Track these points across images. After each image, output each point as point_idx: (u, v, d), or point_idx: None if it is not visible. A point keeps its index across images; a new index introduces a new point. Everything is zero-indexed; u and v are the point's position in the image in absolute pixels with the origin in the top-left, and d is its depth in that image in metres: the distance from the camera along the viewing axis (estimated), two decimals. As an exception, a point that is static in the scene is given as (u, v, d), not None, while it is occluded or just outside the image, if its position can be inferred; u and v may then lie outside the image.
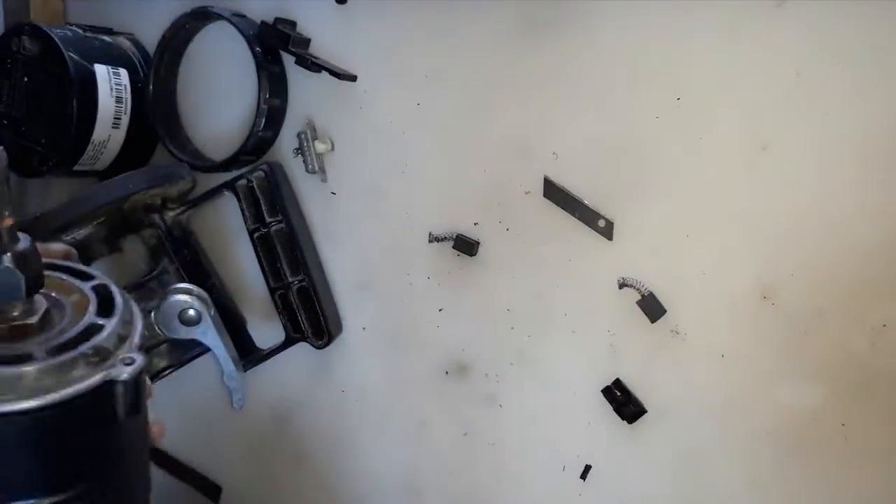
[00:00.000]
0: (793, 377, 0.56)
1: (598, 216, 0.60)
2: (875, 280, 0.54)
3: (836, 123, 0.53)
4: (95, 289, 0.37)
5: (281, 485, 0.74)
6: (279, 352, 0.69)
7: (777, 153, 0.55)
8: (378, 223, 0.67)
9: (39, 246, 0.37)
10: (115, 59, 0.69)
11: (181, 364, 0.66)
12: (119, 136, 0.69)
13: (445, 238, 0.64)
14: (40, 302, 0.35)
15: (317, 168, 0.67)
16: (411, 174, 0.65)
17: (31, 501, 0.33)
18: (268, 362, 0.69)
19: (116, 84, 0.68)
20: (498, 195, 0.63)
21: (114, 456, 0.35)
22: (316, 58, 0.65)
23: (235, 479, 0.76)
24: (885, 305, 0.53)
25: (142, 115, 0.70)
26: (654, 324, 0.59)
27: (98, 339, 0.34)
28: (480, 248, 0.64)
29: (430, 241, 0.65)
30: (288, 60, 0.67)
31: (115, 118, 0.68)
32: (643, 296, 0.59)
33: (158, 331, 0.51)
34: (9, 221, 0.35)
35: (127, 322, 0.36)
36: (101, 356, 0.33)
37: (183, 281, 0.67)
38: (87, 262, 0.67)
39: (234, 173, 0.68)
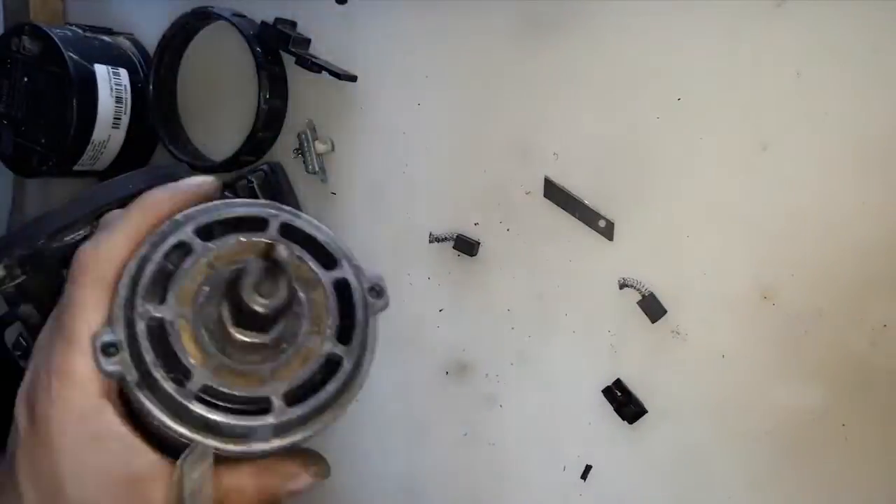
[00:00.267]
0: (793, 377, 0.56)
1: (598, 216, 0.60)
2: (875, 280, 0.54)
3: (836, 123, 0.54)
4: (337, 285, 0.34)
5: (281, 485, 0.74)
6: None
7: (777, 153, 0.55)
8: (378, 223, 0.67)
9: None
10: (115, 59, 0.69)
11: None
12: (119, 136, 0.69)
13: (445, 238, 0.64)
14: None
15: (317, 168, 0.67)
16: (411, 174, 0.65)
17: None
18: (268, 362, 0.69)
19: (116, 84, 0.68)
20: (498, 195, 0.63)
21: None
22: (316, 58, 0.65)
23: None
24: (885, 305, 0.53)
25: (142, 115, 0.70)
26: (655, 324, 0.59)
27: (336, 382, 0.32)
28: (481, 249, 0.64)
29: (430, 241, 0.65)
30: (288, 60, 0.67)
31: (115, 118, 0.68)
32: (644, 296, 0.59)
33: None
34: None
35: (348, 258, 0.34)
36: (340, 396, 0.32)
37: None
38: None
39: (235, 173, 0.68)
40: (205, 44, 0.70)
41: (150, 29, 0.72)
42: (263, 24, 0.66)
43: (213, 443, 0.30)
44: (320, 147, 0.67)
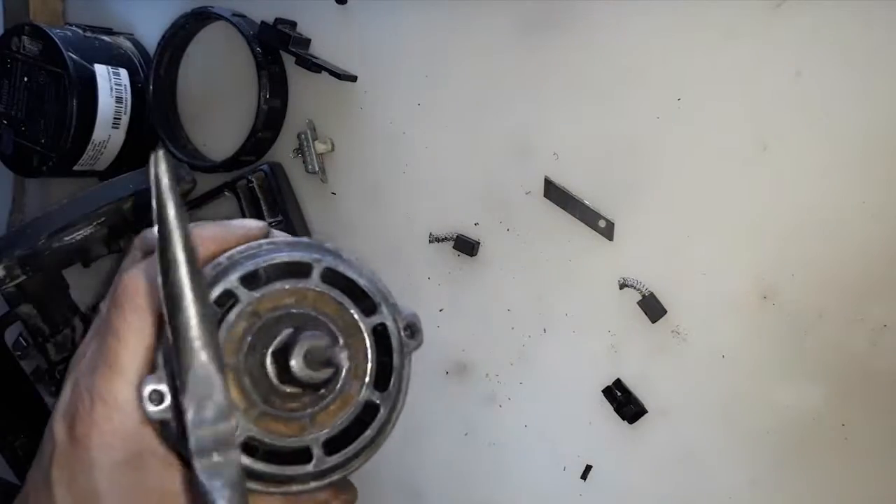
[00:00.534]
0: (793, 377, 0.56)
1: (598, 216, 0.60)
2: (875, 280, 0.54)
3: (835, 123, 0.53)
4: (376, 331, 0.35)
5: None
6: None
7: (777, 153, 0.55)
8: (378, 223, 0.67)
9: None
10: (115, 59, 0.69)
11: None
12: (119, 136, 0.69)
13: (445, 238, 0.64)
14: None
15: (317, 168, 0.67)
16: (411, 174, 0.65)
17: None
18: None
19: (116, 84, 0.68)
20: (498, 195, 0.63)
21: None
22: (316, 58, 0.65)
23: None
24: (885, 305, 0.53)
25: (142, 115, 0.70)
26: (655, 324, 0.59)
27: (373, 429, 0.33)
28: (481, 248, 0.64)
29: (430, 242, 0.65)
30: (288, 60, 0.67)
31: (115, 118, 0.68)
32: (644, 296, 0.59)
33: None
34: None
35: (386, 301, 0.35)
36: (375, 439, 0.33)
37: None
38: (87, 263, 0.67)
39: (235, 173, 0.68)
40: (205, 44, 0.70)
41: (150, 29, 0.72)
42: (263, 24, 0.66)
43: (254, 486, 0.32)
44: (320, 147, 0.67)
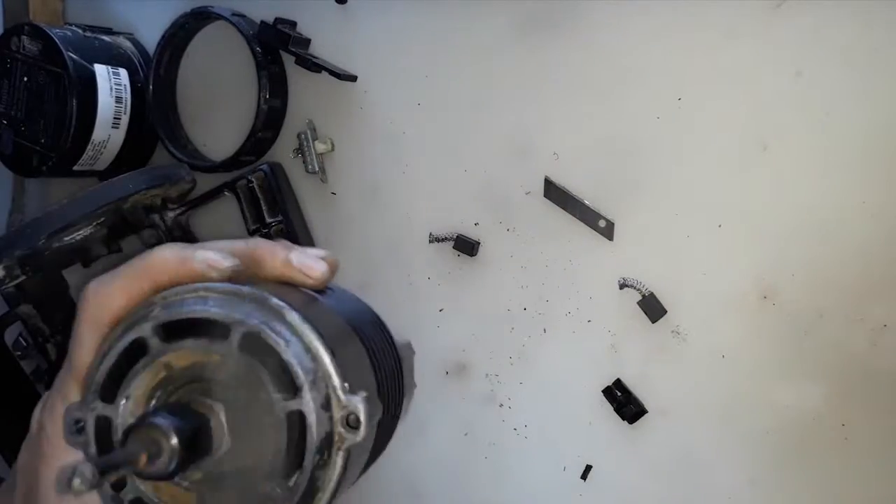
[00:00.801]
0: (793, 377, 0.56)
1: (598, 216, 0.60)
2: (875, 280, 0.54)
3: (835, 123, 0.54)
4: (294, 418, 0.29)
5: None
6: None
7: (777, 153, 0.55)
8: (378, 223, 0.67)
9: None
10: (115, 59, 0.69)
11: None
12: (119, 136, 0.69)
13: (445, 238, 0.64)
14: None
15: (317, 168, 0.67)
16: (411, 174, 0.65)
17: None
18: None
19: (116, 84, 0.68)
20: (498, 195, 0.63)
21: None
22: (316, 58, 0.65)
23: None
24: (885, 305, 0.53)
25: (142, 115, 0.70)
26: (655, 324, 0.59)
27: (314, 438, 0.29)
28: (480, 248, 0.64)
29: (430, 241, 0.65)
30: (288, 60, 0.67)
31: (115, 118, 0.68)
32: (644, 296, 0.59)
33: None
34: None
35: (319, 382, 0.29)
36: (327, 447, 0.29)
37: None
38: (87, 263, 0.67)
39: (235, 173, 0.68)
40: (205, 44, 0.70)
41: (150, 29, 0.72)
42: (263, 24, 0.66)
43: None
44: (320, 147, 0.67)
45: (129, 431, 0.27)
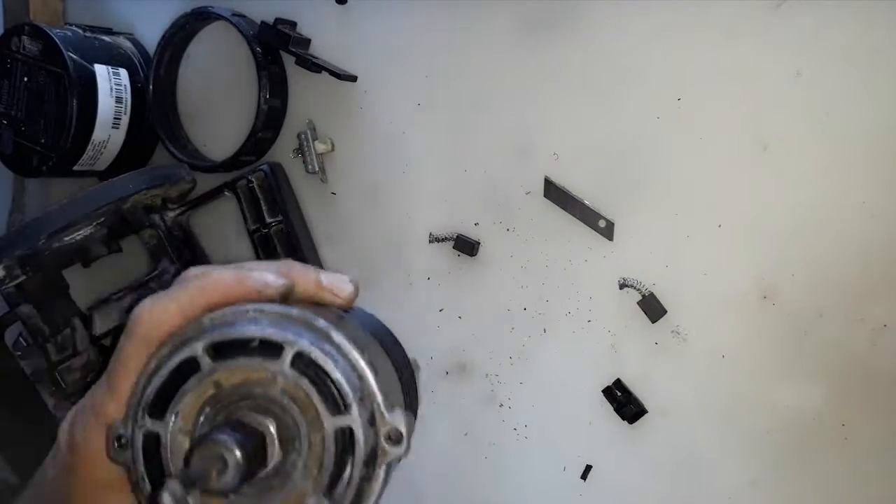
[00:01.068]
0: (793, 377, 0.56)
1: (598, 216, 0.60)
2: (875, 280, 0.54)
3: (835, 123, 0.54)
4: (342, 434, 0.31)
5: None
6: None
7: (777, 153, 0.55)
8: (378, 223, 0.67)
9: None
10: (115, 59, 0.69)
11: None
12: (119, 136, 0.69)
13: (445, 238, 0.64)
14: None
15: (317, 168, 0.67)
16: (411, 174, 0.65)
17: None
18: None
19: (116, 84, 0.68)
20: (498, 195, 0.63)
21: None
22: (316, 58, 0.65)
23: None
24: (885, 305, 0.53)
25: (142, 115, 0.70)
26: (655, 324, 0.59)
27: (362, 452, 0.30)
28: (480, 248, 0.64)
29: (430, 242, 0.65)
30: (288, 60, 0.67)
31: (115, 118, 0.68)
32: (644, 296, 0.59)
33: None
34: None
35: (366, 400, 0.31)
36: (372, 461, 0.31)
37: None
38: (87, 263, 0.67)
39: (235, 173, 0.68)
40: (205, 44, 0.70)
41: (150, 29, 0.72)
42: (263, 24, 0.66)
43: None
44: (320, 147, 0.67)
45: (194, 448, 0.28)
